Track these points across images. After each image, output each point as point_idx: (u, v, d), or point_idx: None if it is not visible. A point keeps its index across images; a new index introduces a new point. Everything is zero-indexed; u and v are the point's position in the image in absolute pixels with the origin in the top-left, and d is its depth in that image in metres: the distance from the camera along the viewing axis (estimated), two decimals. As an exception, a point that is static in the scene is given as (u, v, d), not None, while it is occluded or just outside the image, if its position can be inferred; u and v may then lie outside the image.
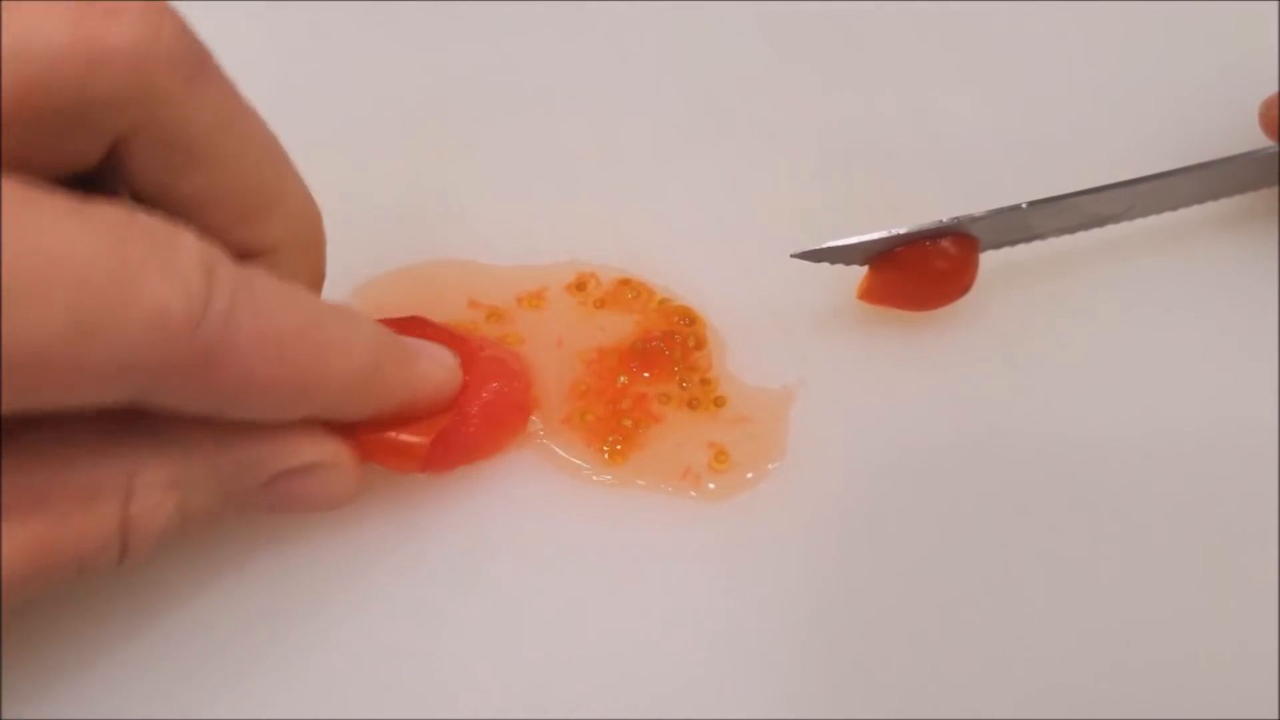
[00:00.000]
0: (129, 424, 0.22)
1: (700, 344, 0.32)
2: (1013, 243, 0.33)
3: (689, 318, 0.33)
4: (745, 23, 0.39)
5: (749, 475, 0.30)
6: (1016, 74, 0.39)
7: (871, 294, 0.32)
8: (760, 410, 0.31)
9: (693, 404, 0.31)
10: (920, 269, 0.32)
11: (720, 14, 0.39)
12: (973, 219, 0.32)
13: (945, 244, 0.32)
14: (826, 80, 0.38)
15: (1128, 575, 0.29)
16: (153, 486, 0.23)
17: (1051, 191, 0.33)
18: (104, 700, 0.26)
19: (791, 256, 0.31)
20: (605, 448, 0.30)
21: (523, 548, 0.29)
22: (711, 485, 0.30)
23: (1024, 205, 0.32)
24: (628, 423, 0.30)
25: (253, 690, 0.27)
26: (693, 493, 0.30)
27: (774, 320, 0.33)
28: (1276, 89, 0.35)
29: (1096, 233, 0.34)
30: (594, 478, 0.30)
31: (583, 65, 0.40)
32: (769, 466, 0.30)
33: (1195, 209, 0.35)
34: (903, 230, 0.31)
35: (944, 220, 0.31)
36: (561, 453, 0.30)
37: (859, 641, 0.28)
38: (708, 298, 0.33)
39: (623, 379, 0.31)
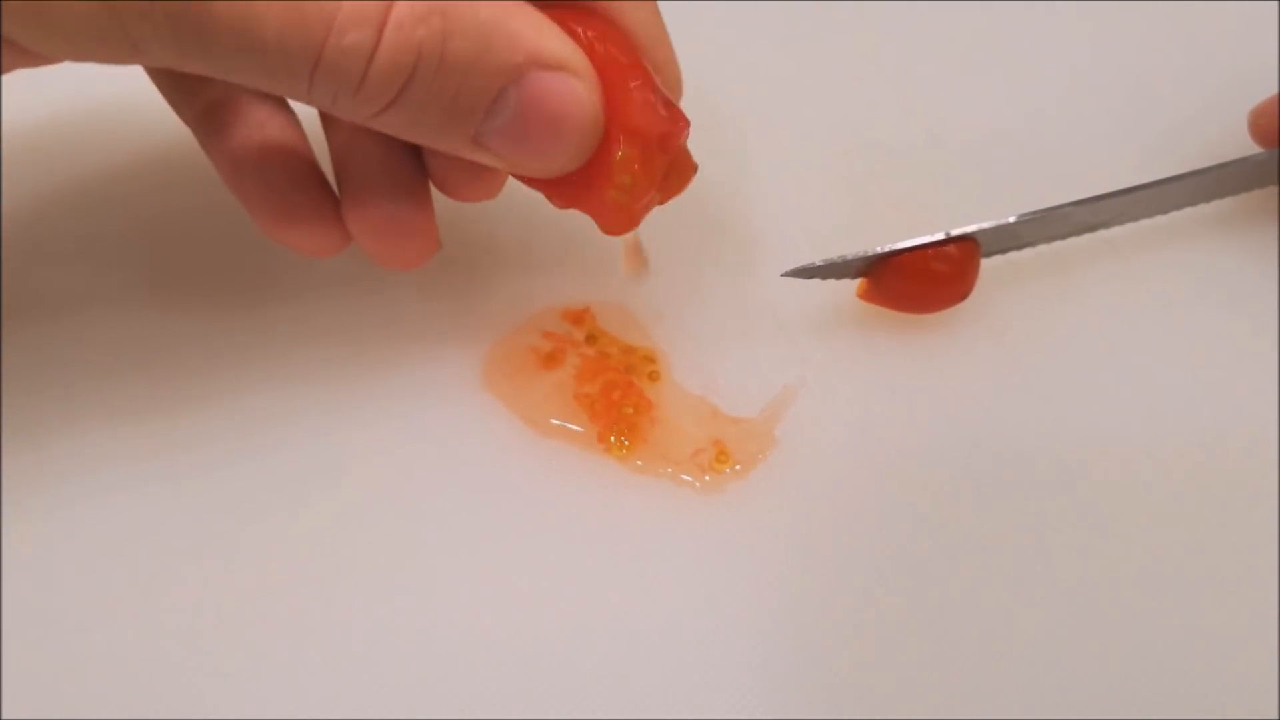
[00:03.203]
0: None
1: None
2: (1004, 251, 0.33)
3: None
4: (748, 22, 0.40)
5: (749, 473, 0.30)
6: (1015, 77, 0.39)
7: (871, 295, 0.32)
8: (753, 408, 0.31)
9: (630, 369, 0.32)
10: (920, 273, 0.32)
11: (724, 13, 0.39)
12: (963, 234, 0.32)
13: (946, 248, 0.32)
14: (828, 79, 0.38)
15: (1126, 575, 0.29)
16: None
17: (1049, 194, 0.33)
18: (103, 699, 0.26)
19: (782, 275, 0.31)
20: (613, 438, 0.30)
21: (518, 534, 0.29)
22: (710, 480, 0.30)
23: (1011, 219, 0.32)
24: (629, 410, 0.31)
25: (257, 691, 0.27)
26: (693, 488, 0.30)
27: (774, 320, 0.33)
28: (1266, 95, 0.35)
29: (1095, 233, 0.34)
30: (599, 465, 0.30)
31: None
32: (768, 465, 0.30)
33: (1194, 208, 0.35)
34: (893, 246, 0.31)
35: (934, 235, 0.31)
36: (568, 432, 0.31)
37: (856, 642, 0.28)
38: (708, 296, 0.33)
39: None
